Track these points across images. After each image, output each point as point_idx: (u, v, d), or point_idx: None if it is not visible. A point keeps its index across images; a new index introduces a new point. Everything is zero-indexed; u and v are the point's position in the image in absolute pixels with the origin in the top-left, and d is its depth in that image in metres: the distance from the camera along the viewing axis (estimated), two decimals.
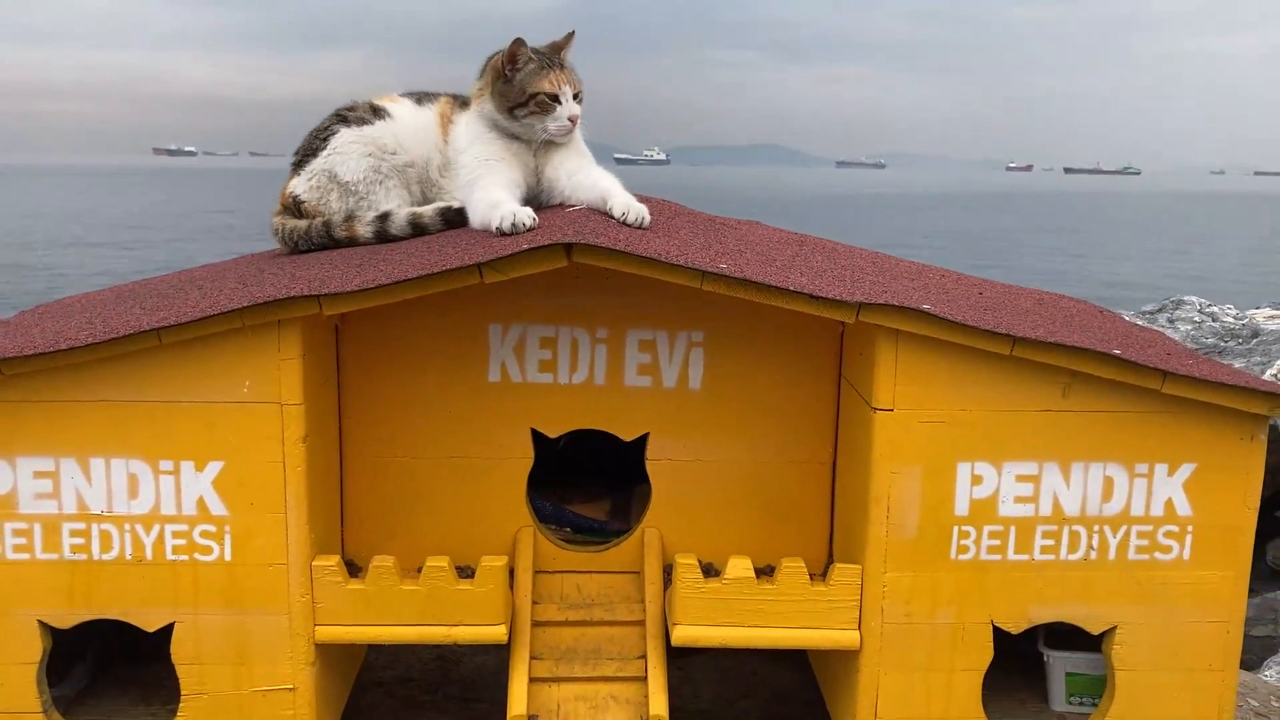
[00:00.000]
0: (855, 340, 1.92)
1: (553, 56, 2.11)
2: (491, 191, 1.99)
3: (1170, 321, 6.86)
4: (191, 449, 1.76)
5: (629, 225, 1.90)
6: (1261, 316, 6.66)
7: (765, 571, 1.98)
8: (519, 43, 2.07)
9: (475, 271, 1.70)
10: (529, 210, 1.88)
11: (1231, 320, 6.47)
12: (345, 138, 2.20)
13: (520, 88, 2.07)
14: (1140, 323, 6.87)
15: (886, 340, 1.75)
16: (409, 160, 2.20)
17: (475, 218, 1.98)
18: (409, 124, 2.22)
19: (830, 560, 2.07)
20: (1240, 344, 6.18)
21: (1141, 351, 1.85)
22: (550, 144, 2.12)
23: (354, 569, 1.97)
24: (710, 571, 1.97)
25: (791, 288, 1.70)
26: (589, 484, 2.28)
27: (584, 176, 2.12)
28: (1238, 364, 5.53)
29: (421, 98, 2.28)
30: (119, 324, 1.74)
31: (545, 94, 2.07)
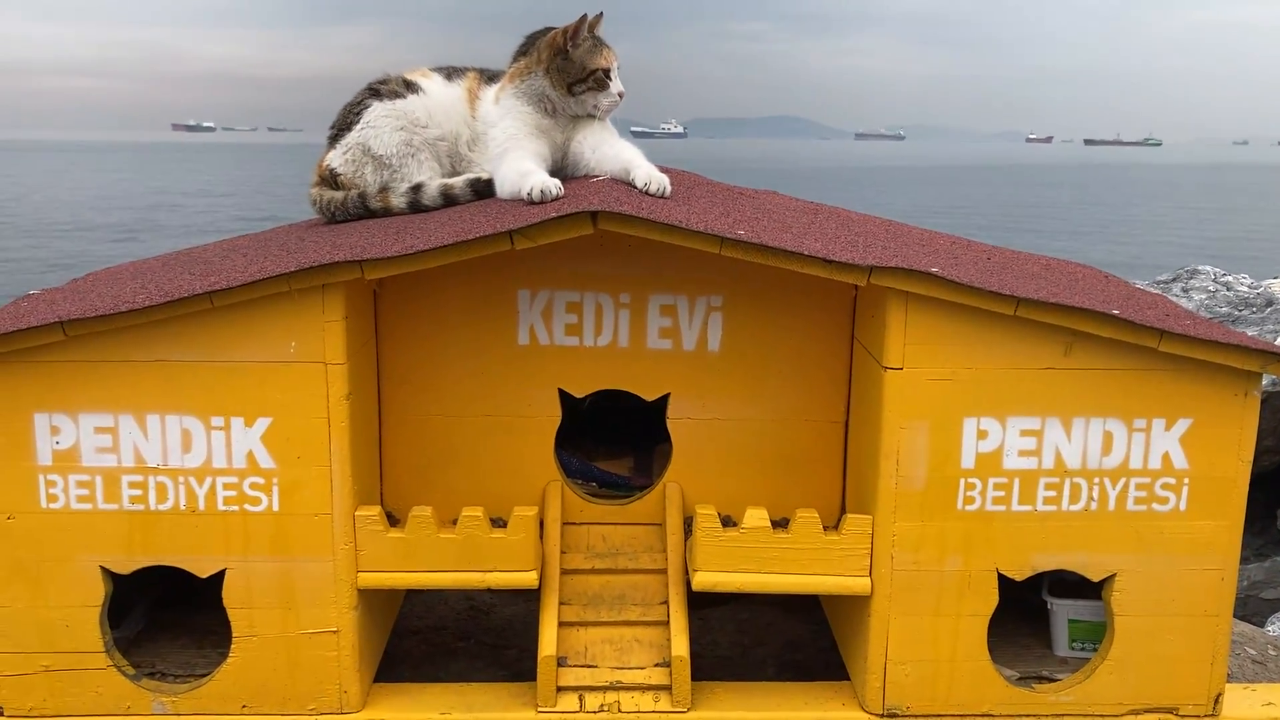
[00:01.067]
0: (867, 303, 2.01)
1: (597, 35, 2.21)
2: (521, 162, 2.08)
3: (1184, 291, 6.89)
4: (241, 406, 1.87)
5: (650, 194, 2.00)
6: (1278, 286, 6.70)
7: (781, 523, 2.09)
8: (585, 19, 2.17)
9: (507, 238, 1.80)
10: (556, 180, 1.98)
11: (1246, 290, 6.50)
12: (378, 111, 2.30)
13: (581, 64, 2.17)
14: (1154, 291, 6.92)
15: (897, 302, 1.84)
16: (440, 134, 2.30)
17: (505, 187, 2.08)
18: (439, 99, 2.32)
19: (843, 512, 2.17)
20: (1254, 313, 6.22)
21: (1141, 312, 1.93)
22: (579, 118, 2.22)
23: (393, 519, 2.08)
24: (728, 522, 2.07)
25: (806, 252, 1.80)
26: (614, 442, 2.38)
27: (608, 149, 2.22)
28: (1251, 332, 5.58)
29: (451, 73, 2.37)
30: (173, 288, 1.85)
31: (602, 70, 2.17)
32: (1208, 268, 6.99)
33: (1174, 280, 7.16)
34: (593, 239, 1.85)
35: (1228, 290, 6.65)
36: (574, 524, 2.16)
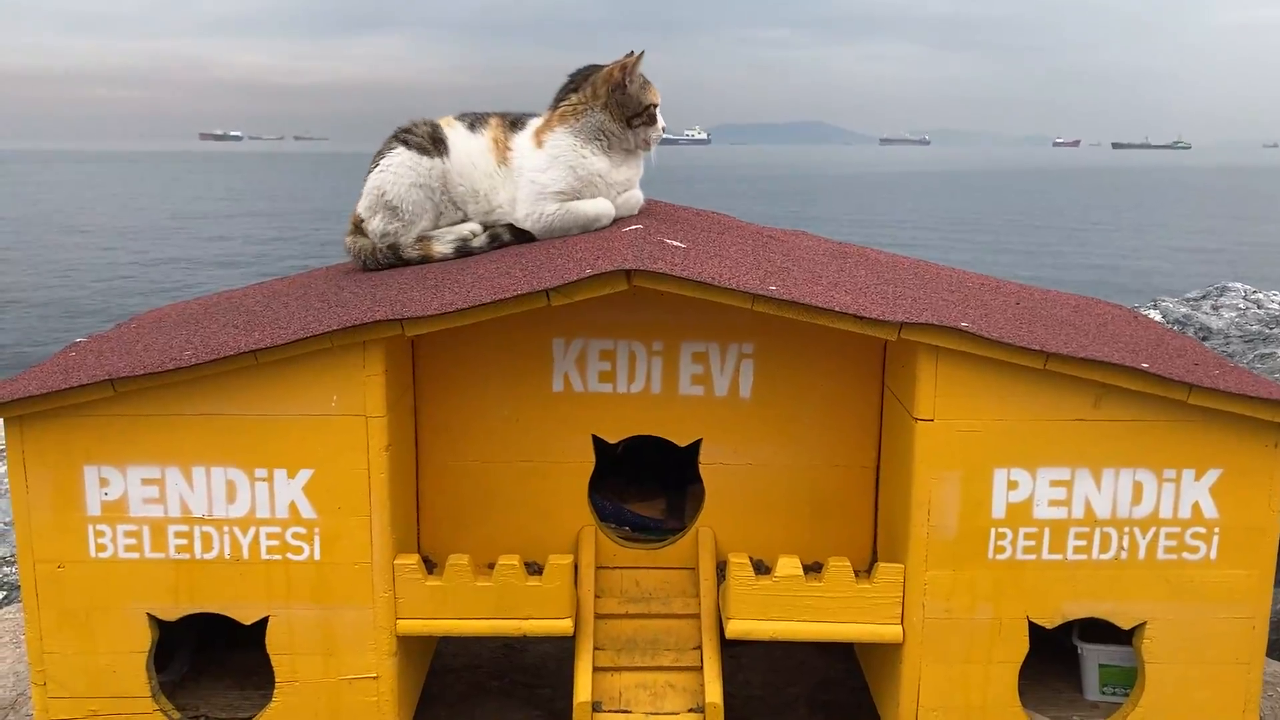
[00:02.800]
0: (898, 353, 2.04)
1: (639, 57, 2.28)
2: (598, 201, 2.26)
3: (1214, 309, 6.87)
4: (284, 458, 1.92)
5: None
6: None
7: (813, 568, 2.11)
8: (637, 56, 2.26)
9: (543, 296, 1.83)
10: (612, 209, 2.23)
11: (1277, 307, 6.47)
12: (400, 158, 2.34)
13: (637, 98, 2.26)
14: (1184, 310, 6.89)
15: (927, 356, 1.87)
16: (463, 193, 2.35)
17: (574, 220, 2.25)
18: (463, 153, 2.35)
19: (874, 557, 2.19)
20: None
21: (1170, 362, 1.95)
22: (629, 153, 2.33)
23: (429, 564, 2.13)
24: (760, 568, 2.10)
25: (837, 308, 1.82)
26: (646, 481, 2.41)
27: (636, 191, 2.37)
28: None
29: (474, 121, 2.40)
30: (218, 344, 1.90)
31: (654, 105, 2.27)
32: (1238, 285, 6.97)
33: (1204, 298, 7.14)
34: (626, 290, 1.89)
35: (1258, 308, 6.62)
36: (607, 568, 2.19)
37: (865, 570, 2.15)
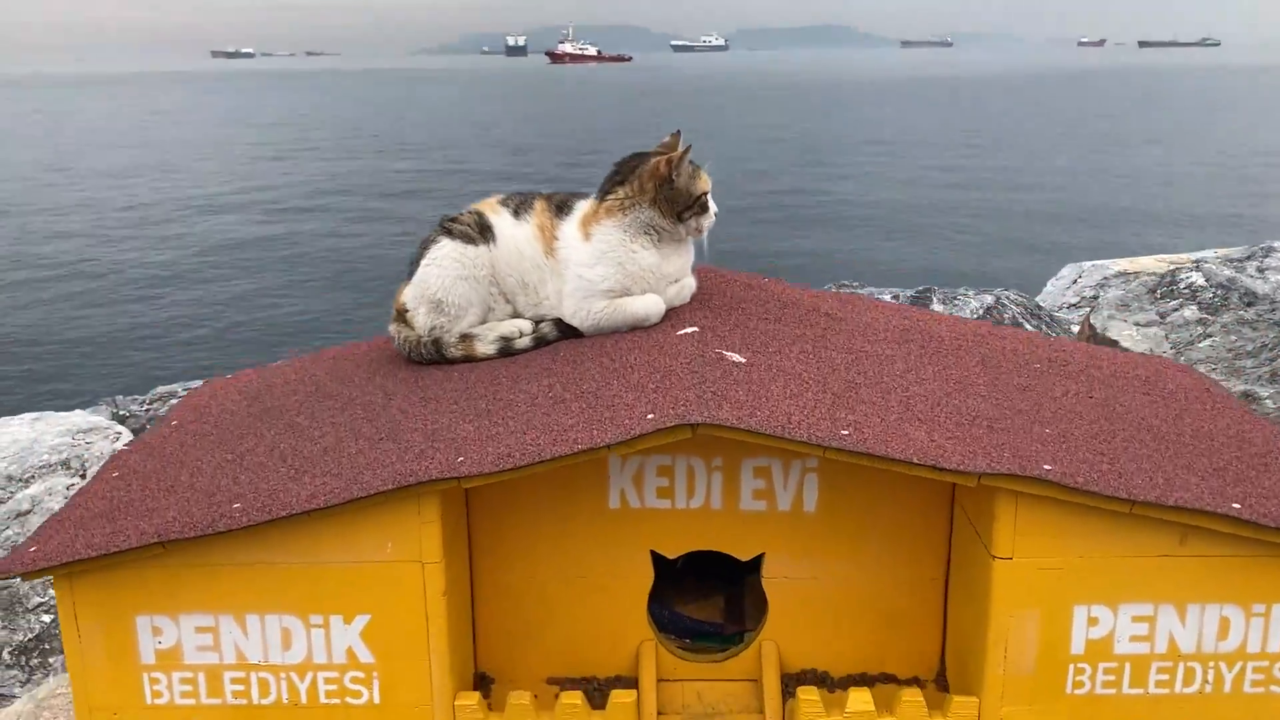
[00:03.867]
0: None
1: (686, 150, 2.21)
2: (647, 298, 2.21)
3: (1260, 271, 6.69)
4: (339, 604, 1.87)
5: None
6: None
7: (879, 679, 2.06)
8: (684, 151, 2.17)
9: (605, 449, 1.76)
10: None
11: None
12: (446, 250, 2.26)
13: (686, 190, 2.17)
14: (1227, 273, 6.71)
15: (1007, 499, 1.78)
16: (513, 284, 2.26)
17: (623, 319, 2.20)
18: (510, 241, 2.26)
19: (942, 666, 2.13)
20: None
21: (1258, 482, 1.86)
22: (680, 242, 2.25)
23: (486, 681, 2.09)
24: (825, 680, 2.06)
25: (915, 459, 1.74)
26: (702, 581, 2.35)
27: (689, 280, 2.30)
28: None
29: (519, 206, 2.30)
30: (267, 489, 1.83)
31: (705, 194, 2.18)
32: None
33: (1248, 259, 6.96)
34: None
35: None
36: (669, 680, 2.14)
37: (934, 680, 2.11)
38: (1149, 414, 2.15)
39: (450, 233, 2.27)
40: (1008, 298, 5.81)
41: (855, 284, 6.11)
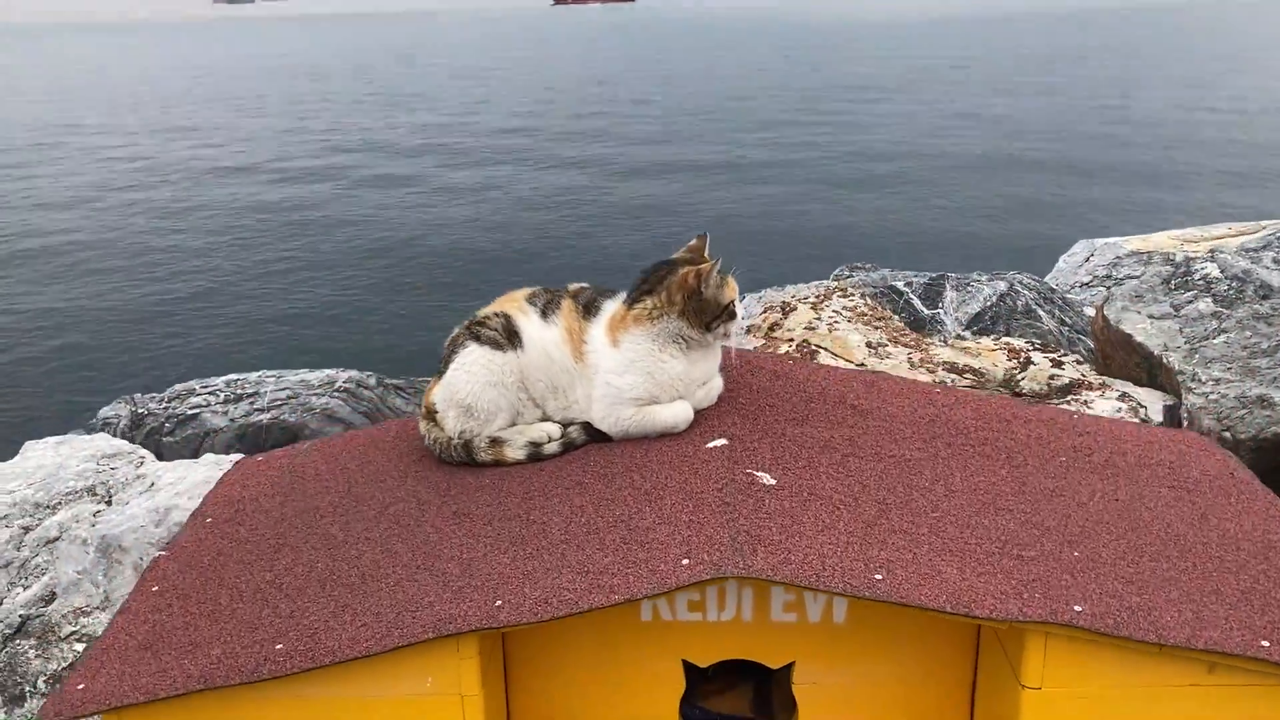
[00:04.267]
0: None
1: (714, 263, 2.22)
2: (675, 406, 2.24)
3: (1276, 262, 6.64)
4: None
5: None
6: None
7: None
8: (712, 264, 2.18)
9: (641, 599, 1.79)
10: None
11: None
12: (474, 356, 2.27)
13: (715, 300, 2.18)
14: (1243, 264, 6.66)
15: (1037, 633, 1.81)
16: (542, 389, 2.28)
17: (652, 427, 2.23)
18: (538, 345, 2.27)
19: None
20: None
21: None
22: (708, 348, 2.27)
23: None
24: None
25: (948, 608, 1.76)
26: (729, 672, 2.39)
27: (717, 381, 2.31)
28: None
29: (546, 306, 2.31)
30: (309, 624, 1.87)
31: (733, 301, 2.19)
32: None
33: (1264, 248, 6.91)
34: None
35: None
36: None
37: None
38: (1174, 517, 2.17)
39: (478, 338, 2.28)
40: (1020, 282, 5.79)
41: (868, 266, 6.09)
